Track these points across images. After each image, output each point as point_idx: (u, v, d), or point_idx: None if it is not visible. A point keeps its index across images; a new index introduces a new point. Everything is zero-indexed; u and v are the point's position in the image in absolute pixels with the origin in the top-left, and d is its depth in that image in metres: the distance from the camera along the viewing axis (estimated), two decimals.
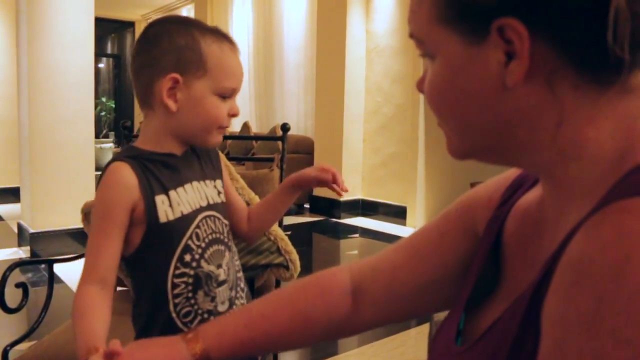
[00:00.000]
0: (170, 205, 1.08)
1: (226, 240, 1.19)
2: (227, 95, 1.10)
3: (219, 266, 1.15)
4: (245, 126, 7.24)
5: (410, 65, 5.69)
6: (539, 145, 0.53)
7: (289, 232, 1.70)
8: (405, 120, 5.78)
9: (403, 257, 0.79)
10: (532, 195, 0.64)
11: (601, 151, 0.50)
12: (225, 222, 1.20)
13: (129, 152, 1.11)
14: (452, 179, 5.92)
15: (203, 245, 1.13)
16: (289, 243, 1.61)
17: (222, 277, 1.15)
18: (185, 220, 1.10)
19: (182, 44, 1.05)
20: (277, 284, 1.74)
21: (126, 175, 1.05)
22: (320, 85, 6.44)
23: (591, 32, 0.47)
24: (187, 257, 1.09)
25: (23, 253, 4.42)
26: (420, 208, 5.69)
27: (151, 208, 1.06)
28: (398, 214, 5.88)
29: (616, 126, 0.50)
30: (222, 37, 1.10)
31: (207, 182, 1.18)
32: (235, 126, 8.27)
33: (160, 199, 1.07)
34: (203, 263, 1.12)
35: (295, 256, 1.60)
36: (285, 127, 1.79)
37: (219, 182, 1.22)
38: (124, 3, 10.74)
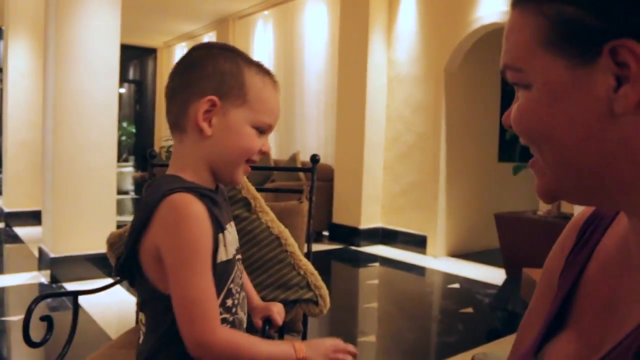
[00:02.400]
0: (225, 245, 1.03)
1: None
2: (262, 130, 1.06)
3: (245, 313, 1.11)
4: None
5: (431, 94, 5.68)
6: None
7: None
8: (426, 149, 5.75)
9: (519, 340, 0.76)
10: (612, 236, 0.62)
11: None
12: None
13: (182, 184, 1.01)
14: (474, 208, 5.87)
15: (238, 289, 1.08)
16: (319, 278, 1.58)
17: (244, 324, 1.11)
18: (231, 263, 1.05)
19: (226, 69, 1.02)
20: (305, 320, 1.70)
21: (201, 208, 0.97)
22: (341, 112, 6.44)
23: None
24: (229, 302, 1.04)
25: (43, 277, 4.42)
26: (440, 237, 5.63)
27: (215, 246, 1.00)
28: (418, 242, 5.81)
29: None
30: (265, 71, 1.08)
31: (232, 222, 1.13)
32: None
33: (221, 237, 1.02)
34: (239, 310, 1.07)
35: (325, 291, 1.57)
36: (315, 159, 1.77)
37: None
38: (147, 30, 10.93)
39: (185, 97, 1.02)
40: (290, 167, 2.03)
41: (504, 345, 3.32)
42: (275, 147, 8.10)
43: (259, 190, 1.64)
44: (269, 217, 1.56)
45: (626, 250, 0.57)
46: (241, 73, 1.03)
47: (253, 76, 1.04)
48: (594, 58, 0.48)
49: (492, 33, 5.47)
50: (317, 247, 5.94)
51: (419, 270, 5.15)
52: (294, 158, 6.57)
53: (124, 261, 1.02)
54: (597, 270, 0.61)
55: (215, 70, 1.02)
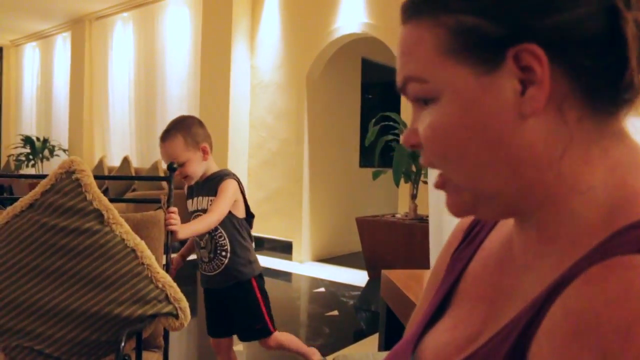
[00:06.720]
0: None
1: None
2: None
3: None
4: (126, 161, 6.95)
5: (294, 101, 5.75)
6: (543, 184, 0.51)
7: None
8: (289, 155, 5.81)
9: None
10: (495, 236, 0.64)
11: (594, 198, 0.49)
12: None
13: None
14: (337, 213, 6.01)
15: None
16: (178, 290, 1.52)
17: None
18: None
19: None
20: (166, 334, 1.64)
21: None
22: (204, 119, 6.24)
23: (607, 59, 0.47)
24: None
25: None
26: (305, 243, 5.71)
27: None
28: (284, 248, 5.85)
29: (609, 174, 0.49)
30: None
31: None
32: (114, 161, 7.93)
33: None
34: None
35: (185, 304, 1.51)
36: (172, 167, 1.71)
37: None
38: None
39: None
40: (146, 177, 1.95)
41: (368, 344, 3.42)
42: (137, 155, 7.79)
43: (113, 201, 1.55)
44: (124, 229, 1.48)
45: (508, 250, 0.59)
46: None
47: None
48: (498, 65, 0.49)
49: (352, 43, 5.65)
50: None
51: (286, 276, 5.17)
52: (155, 166, 6.36)
53: None
54: (479, 266, 0.64)
55: None
